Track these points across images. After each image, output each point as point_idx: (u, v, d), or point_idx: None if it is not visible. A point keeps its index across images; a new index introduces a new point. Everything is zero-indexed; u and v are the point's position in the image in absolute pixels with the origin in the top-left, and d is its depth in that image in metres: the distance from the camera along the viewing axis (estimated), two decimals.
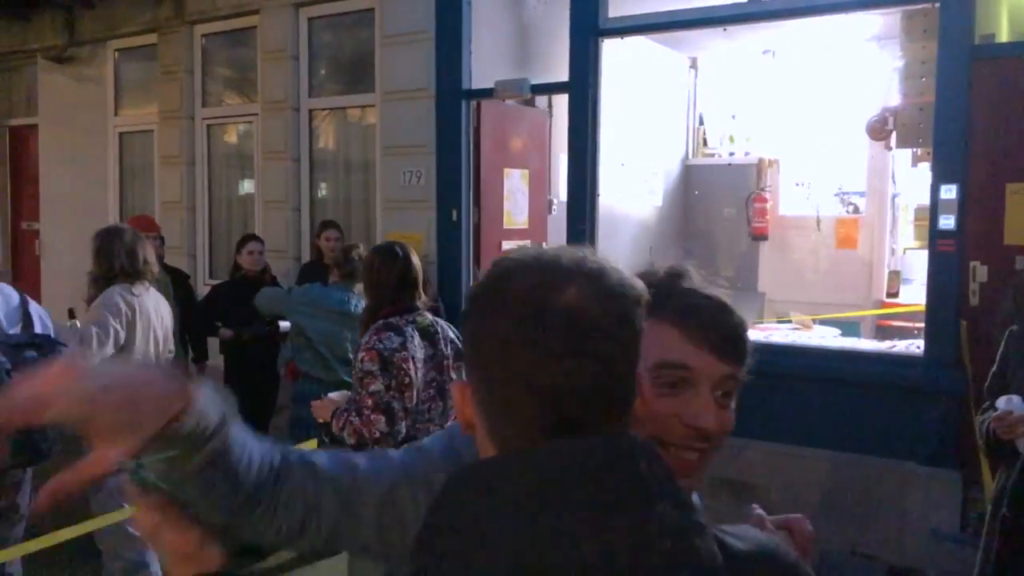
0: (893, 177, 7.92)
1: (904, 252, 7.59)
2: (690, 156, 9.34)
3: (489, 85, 6.24)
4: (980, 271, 4.71)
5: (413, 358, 3.24)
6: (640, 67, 8.02)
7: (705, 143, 9.43)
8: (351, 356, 4.08)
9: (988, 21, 4.81)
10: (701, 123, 9.43)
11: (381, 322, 3.29)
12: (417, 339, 3.30)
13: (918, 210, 7.07)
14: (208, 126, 7.86)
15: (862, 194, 8.48)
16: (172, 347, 4.45)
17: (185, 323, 5.63)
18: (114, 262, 3.96)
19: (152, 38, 7.95)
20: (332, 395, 3.45)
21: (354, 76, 7.10)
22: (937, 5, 4.80)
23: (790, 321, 6.80)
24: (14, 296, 3.37)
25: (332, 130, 7.38)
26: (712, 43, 8.49)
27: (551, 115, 7.08)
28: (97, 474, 0.86)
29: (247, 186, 7.80)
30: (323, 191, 7.36)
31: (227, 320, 5.65)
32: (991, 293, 4.57)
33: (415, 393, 3.26)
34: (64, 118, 8.87)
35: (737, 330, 1.08)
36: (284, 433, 5.10)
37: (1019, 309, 3.45)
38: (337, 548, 1.19)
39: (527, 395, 0.87)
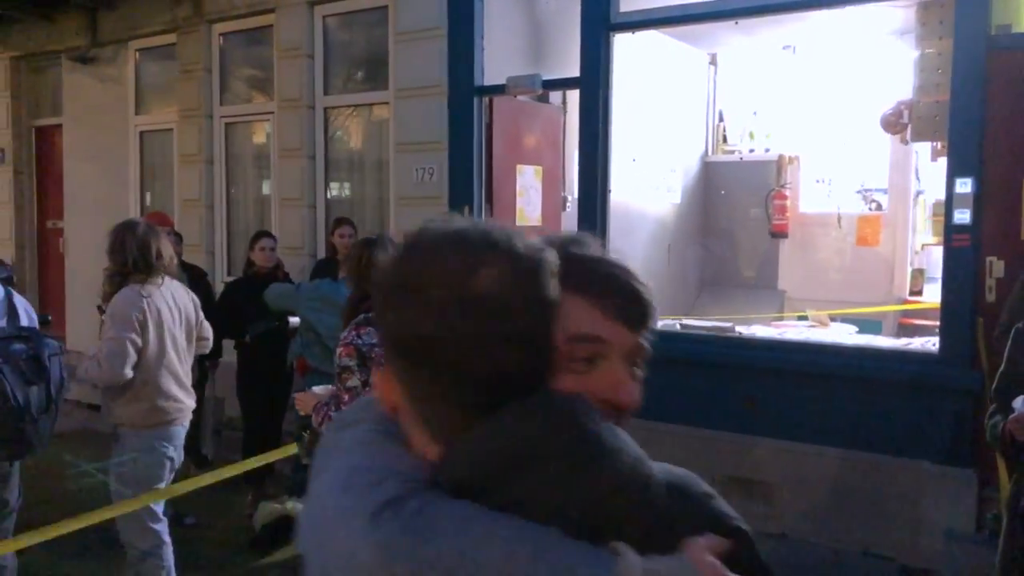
0: (917, 173, 7.80)
1: (922, 248, 7.46)
2: (709, 153, 9.26)
3: (501, 81, 6.23)
4: (997, 266, 4.62)
5: None
6: (658, 63, 7.97)
7: (725, 140, 9.35)
8: None
9: (1005, 11, 4.71)
10: (721, 120, 9.35)
11: (362, 317, 3.30)
12: None
13: (935, 205, 6.95)
14: (226, 124, 7.93)
15: (885, 191, 8.36)
16: (207, 333, 4.36)
17: None
18: (127, 257, 3.90)
19: (171, 38, 8.03)
20: (316, 389, 3.47)
21: (368, 74, 7.12)
22: None
23: (806, 318, 6.72)
24: None
25: (347, 128, 7.41)
26: (731, 39, 8.42)
27: (565, 111, 7.04)
28: None
29: (264, 184, 7.85)
30: (338, 188, 7.39)
31: (239, 316, 5.69)
32: (1008, 289, 4.48)
33: None
34: (87, 118, 8.99)
35: (647, 298, 1.02)
36: (295, 428, 5.12)
37: None
38: None
39: (455, 385, 0.86)
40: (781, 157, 8.73)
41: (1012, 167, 4.56)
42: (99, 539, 4.52)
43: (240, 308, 5.71)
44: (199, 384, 5.14)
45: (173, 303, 4.05)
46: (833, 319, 6.74)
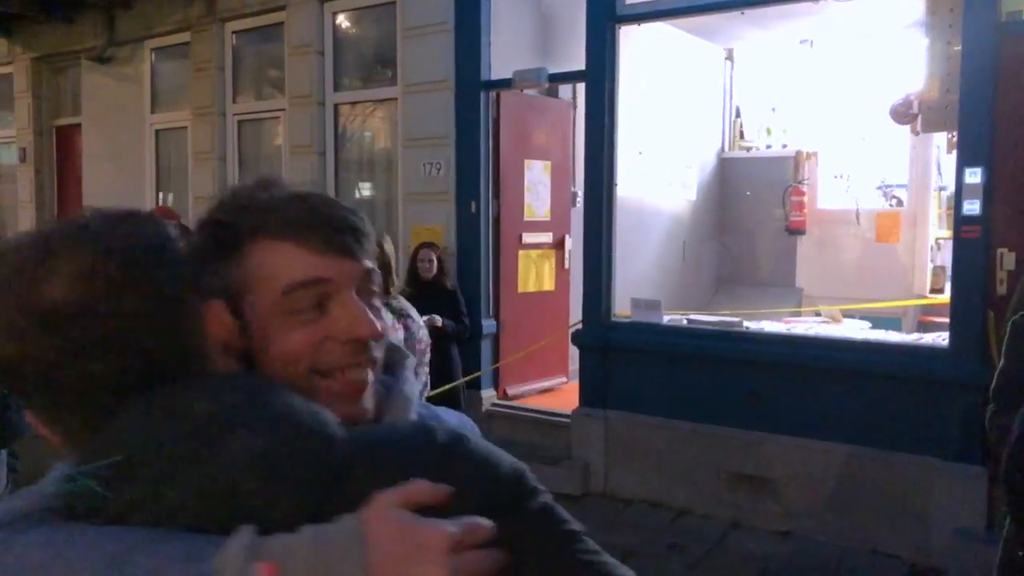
0: (939, 169, 7.65)
1: (936, 243, 7.31)
2: (726, 149, 9.17)
3: (509, 76, 6.20)
4: (1008, 258, 4.49)
5: None
6: (673, 58, 7.90)
7: (742, 136, 9.24)
8: None
9: None
10: (737, 115, 9.25)
11: None
12: (392, 321, 3.38)
13: (948, 198, 6.82)
14: (239, 122, 7.97)
15: (905, 187, 8.21)
16: None
17: None
18: None
19: (185, 36, 8.10)
20: None
21: (377, 70, 7.12)
22: None
23: (819, 314, 6.61)
24: None
25: (356, 123, 7.42)
26: (748, 33, 8.32)
27: (575, 107, 6.98)
28: None
29: None
30: (347, 184, 7.40)
31: None
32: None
33: None
34: (105, 117, 9.09)
35: (355, 221, 0.94)
36: None
37: None
38: None
39: (58, 401, 0.80)
40: (799, 153, 8.62)
41: (1023, 156, 4.44)
42: None
43: None
44: None
45: None
46: (847, 315, 6.63)
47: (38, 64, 9.76)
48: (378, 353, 0.96)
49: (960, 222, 4.60)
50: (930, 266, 7.74)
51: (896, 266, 8.04)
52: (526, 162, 6.63)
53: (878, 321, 6.57)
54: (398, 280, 3.66)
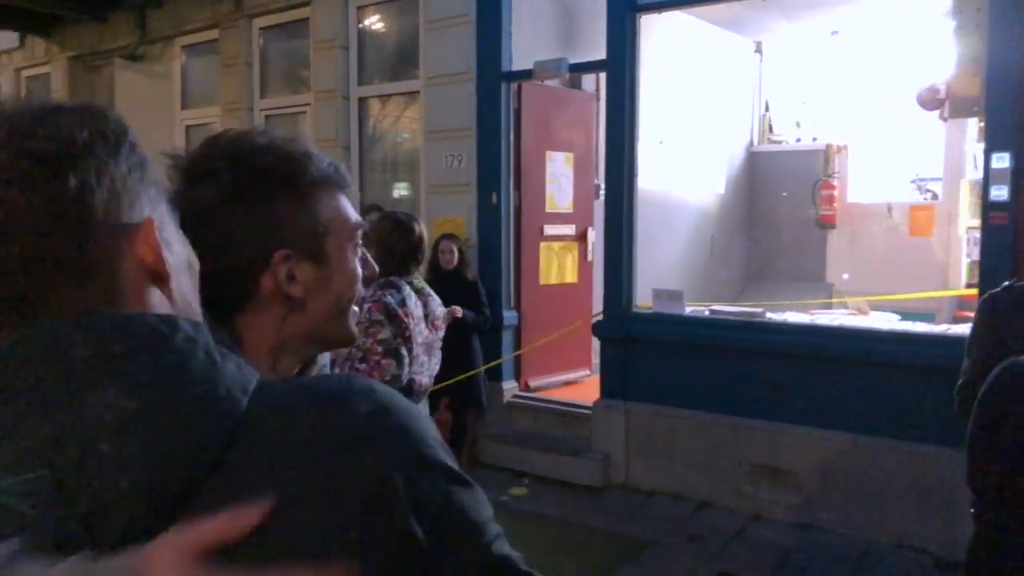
0: (975, 161, 7.48)
1: (967, 231, 7.13)
2: (755, 143, 9.06)
3: (531, 67, 6.18)
4: None
5: (411, 314, 3.42)
6: (700, 51, 7.83)
7: (771, 129, 9.14)
8: None
9: None
10: (767, 109, 9.15)
11: (383, 279, 3.46)
12: (414, 298, 3.48)
13: (978, 184, 6.67)
14: (266, 117, 8.05)
15: (940, 180, 8.05)
16: None
17: None
18: None
19: (214, 33, 8.20)
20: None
21: (400, 63, 7.15)
22: None
23: (847, 306, 6.50)
24: None
25: (380, 117, 7.45)
26: (776, 25, 8.23)
27: (598, 98, 6.94)
28: None
29: None
30: (371, 176, 7.43)
31: None
32: None
33: (414, 346, 3.41)
34: (138, 114, 9.21)
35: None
36: None
37: None
38: None
39: None
40: (829, 146, 8.51)
41: None
42: None
43: None
44: None
45: None
46: (876, 308, 6.50)
47: (74, 63, 9.94)
48: None
49: (988, 208, 4.49)
50: (966, 261, 7.57)
51: (930, 261, 7.87)
52: (548, 154, 6.60)
53: (911, 316, 6.44)
54: (424, 263, 3.80)
